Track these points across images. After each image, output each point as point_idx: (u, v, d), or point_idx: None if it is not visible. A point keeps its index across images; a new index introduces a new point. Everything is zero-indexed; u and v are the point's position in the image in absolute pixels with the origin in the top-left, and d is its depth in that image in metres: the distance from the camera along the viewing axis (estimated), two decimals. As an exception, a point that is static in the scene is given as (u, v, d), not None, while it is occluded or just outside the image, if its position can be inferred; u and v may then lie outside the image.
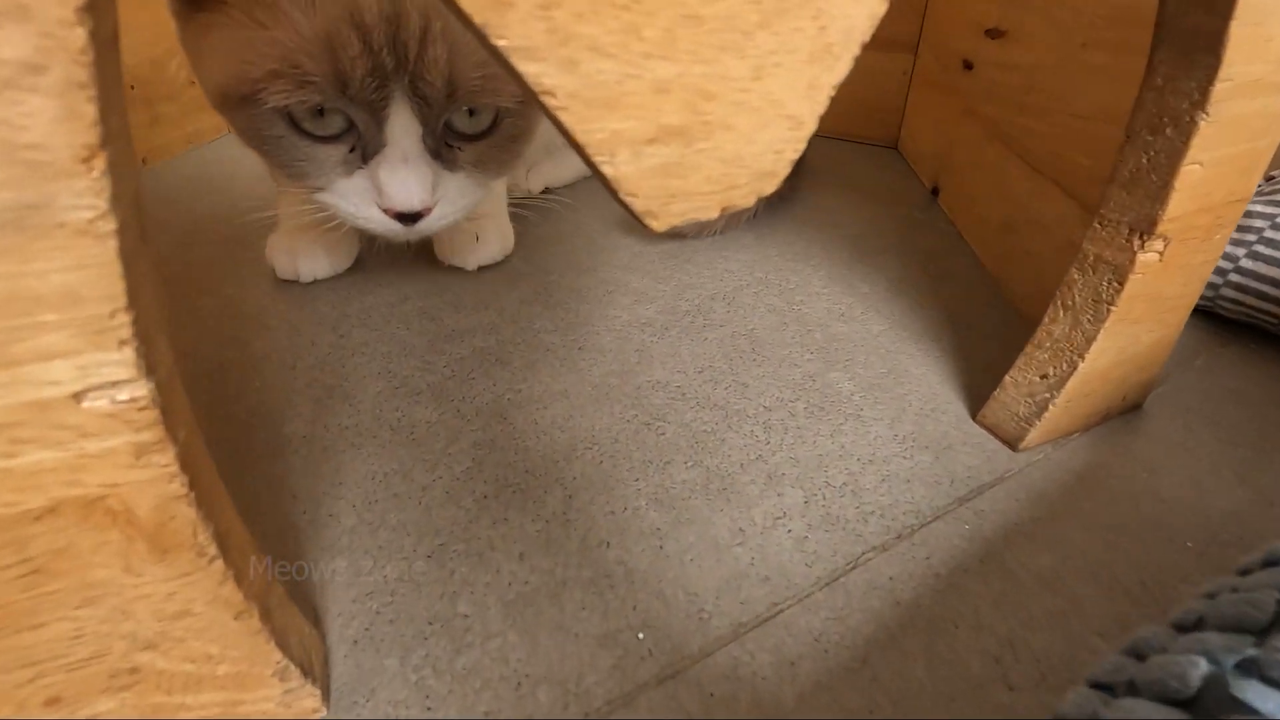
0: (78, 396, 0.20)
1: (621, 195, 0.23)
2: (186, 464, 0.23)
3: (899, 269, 0.69)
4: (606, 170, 0.23)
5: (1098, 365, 0.44)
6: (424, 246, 0.71)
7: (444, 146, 0.42)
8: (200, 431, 0.26)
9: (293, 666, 0.29)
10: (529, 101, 0.23)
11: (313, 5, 0.37)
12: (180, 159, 1.03)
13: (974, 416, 0.49)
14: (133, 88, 0.95)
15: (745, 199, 0.26)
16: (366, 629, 0.35)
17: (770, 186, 0.26)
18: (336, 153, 0.41)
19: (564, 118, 0.21)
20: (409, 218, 0.42)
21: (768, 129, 0.24)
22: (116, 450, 0.21)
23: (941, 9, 0.88)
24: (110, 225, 0.18)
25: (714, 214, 0.26)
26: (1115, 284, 0.41)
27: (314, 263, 0.66)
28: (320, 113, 0.39)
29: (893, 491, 0.43)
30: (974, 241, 0.72)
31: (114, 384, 0.20)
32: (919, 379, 0.53)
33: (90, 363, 0.19)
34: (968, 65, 0.77)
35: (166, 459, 0.22)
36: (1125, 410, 0.50)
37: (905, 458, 0.46)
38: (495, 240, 0.66)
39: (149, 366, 0.20)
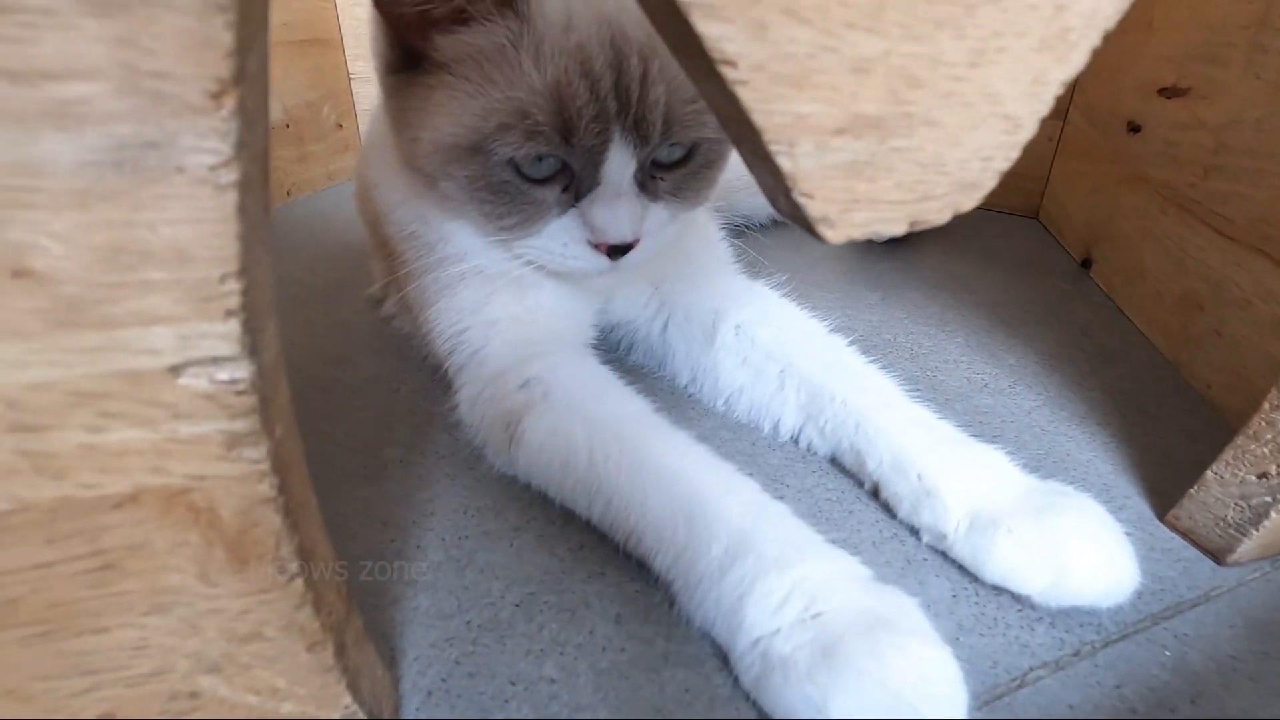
0: (175, 370, 0.17)
1: (796, 195, 0.20)
2: (279, 464, 0.20)
3: (1050, 342, 0.61)
4: (784, 163, 0.19)
5: (1339, 468, 0.35)
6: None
7: (648, 178, 0.43)
8: (298, 438, 0.23)
9: (361, 715, 0.25)
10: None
11: (542, 57, 0.38)
12: (322, 194, 1.10)
13: (1161, 517, 0.41)
14: (288, 126, 1.02)
15: (939, 214, 0.21)
16: (443, 680, 0.31)
17: (970, 202, 0.22)
18: (551, 194, 0.42)
19: (743, 94, 0.18)
20: (617, 250, 0.43)
21: (979, 129, 0.20)
22: (208, 438, 0.19)
23: (1100, 70, 0.82)
24: (232, 175, 0.16)
25: (900, 228, 0.22)
26: (1371, 367, 0.33)
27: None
28: (539, 158, 0.40)
29: (1064, 596, 0.36)
30: (1142, 319, 0.63)
31: (215, 360, 0.18)
32: (1086, 466, 0.45)
33: (193, 333, 0.17)
34: (1134, 128, 0.70)
35: (259, 454, 0.19)
36: (1364, 529, 0.40)
37: (1077, 557, 0.38)
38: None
39: (254, 346, 0.18)
